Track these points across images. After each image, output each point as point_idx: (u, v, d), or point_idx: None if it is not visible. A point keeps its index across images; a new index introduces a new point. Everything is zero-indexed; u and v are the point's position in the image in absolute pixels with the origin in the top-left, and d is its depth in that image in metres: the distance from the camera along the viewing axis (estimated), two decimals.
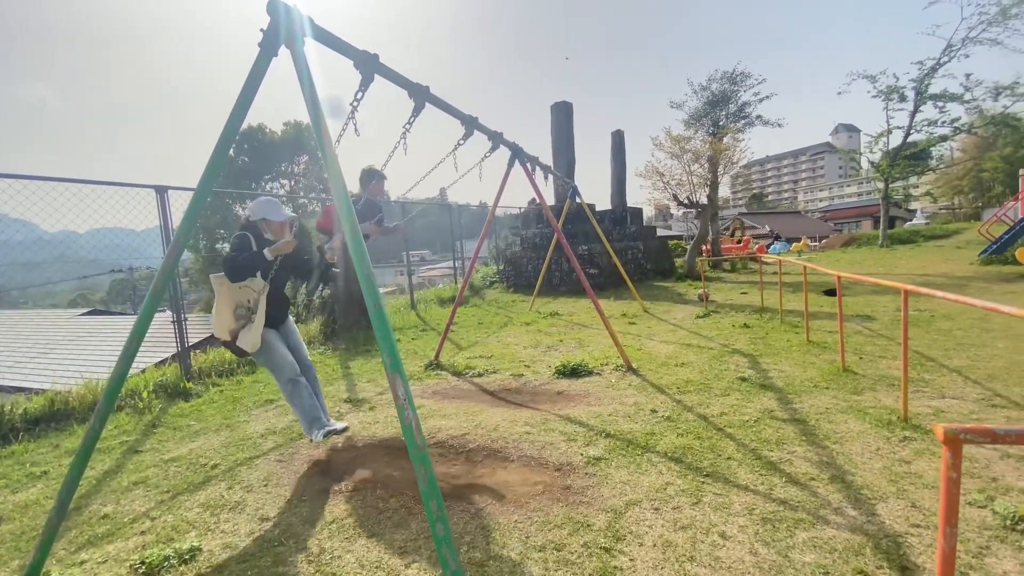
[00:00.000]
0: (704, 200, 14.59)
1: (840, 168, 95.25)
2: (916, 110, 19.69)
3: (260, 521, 2.74)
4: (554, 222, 5.55)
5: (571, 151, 14.63)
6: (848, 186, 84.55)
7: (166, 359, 7.16)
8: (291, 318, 3.65)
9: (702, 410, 3.91)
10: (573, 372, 5.27)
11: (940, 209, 42.12)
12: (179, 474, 3.45)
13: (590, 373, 5.26)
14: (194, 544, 2.50)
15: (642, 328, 7.74)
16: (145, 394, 5.17)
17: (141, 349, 2.43)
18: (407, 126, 3.30)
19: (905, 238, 22.50)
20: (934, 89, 19.27)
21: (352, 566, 2.28)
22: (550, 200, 14.76)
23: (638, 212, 18.17)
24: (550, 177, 7.95)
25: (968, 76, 18.73)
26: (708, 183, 14.75)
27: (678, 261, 16.31)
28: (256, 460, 3.63)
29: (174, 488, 3.23)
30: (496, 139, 4.89)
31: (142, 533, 2.70)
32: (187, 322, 6.30)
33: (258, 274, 3.15)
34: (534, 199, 19.31)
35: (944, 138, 20.37)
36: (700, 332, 6.97)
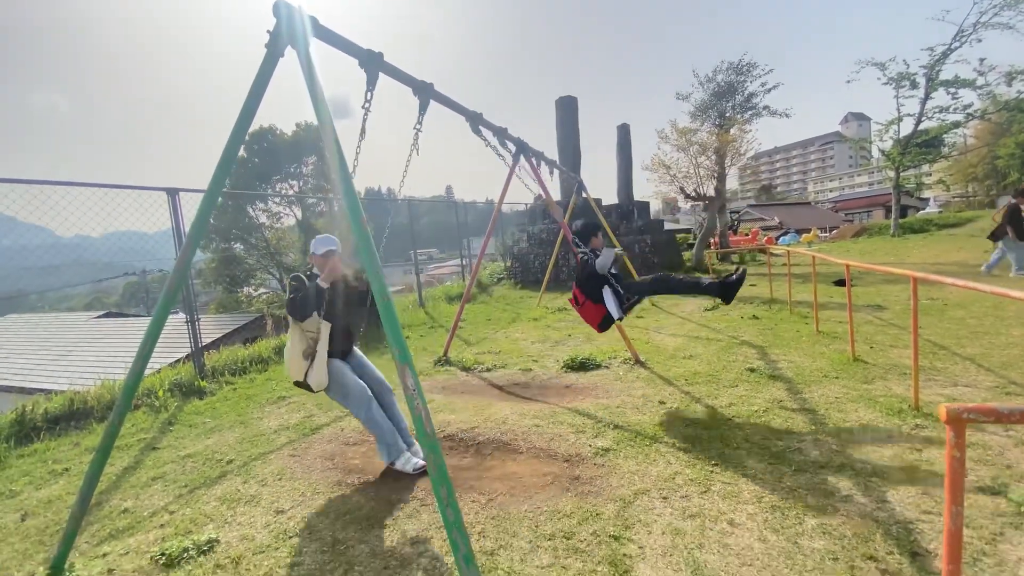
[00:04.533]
0: (711, 192, 14.49)
1: (850, 158, 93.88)
2: (927, 97, 19.33)
3: (275, 514, 2.79)
4: (560, 217, 5.56)
5: (577, 146, 14.60)
6: (859, 176, 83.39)
7: (180, 359, 7.29)
8: (357, 348, 3.54)
9: (711, 401, 3.92)
10: (581, 366, 5.29)
11: (954, 197, 41.41)
12: (196, 469, 3.53)
13: (598, 367, 5.27)
14: (212, 536, 2.56)
15: (650, 321, 7.73)
16: (161, 393, 5.27)
17: (156, 349, 2.48)
18: (418, 126, 3.31)
19: (918, 227, 22.15)
20: (945, 75, 18.93)
21: (365, 555, 2.32)
22: (556, 195, 14.75)
23: (645, 206, 18.08)
24: (556, 172, 7.95)
25: (981, 61, 18.36)
26: (715, 175, 14.64)
27: (686, 255, 16.22)
28: (270, 455, 3.69)
29: (191, 483, 3.30)
30: (500, 134, 4.91)
31: (161, 526, 2.77)
32: (200, 322, 6.40)
33: (314, 314, 3.09)
34: (540, 195, 19.33)
35: (957, 124, 19.99)
36: (708, 324, 6.94)
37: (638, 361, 5.23)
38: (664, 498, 2.57)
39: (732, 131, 15.01)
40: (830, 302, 7.61)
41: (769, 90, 16.80)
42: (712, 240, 17.24)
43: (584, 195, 9.79)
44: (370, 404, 3.20)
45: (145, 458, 3.84)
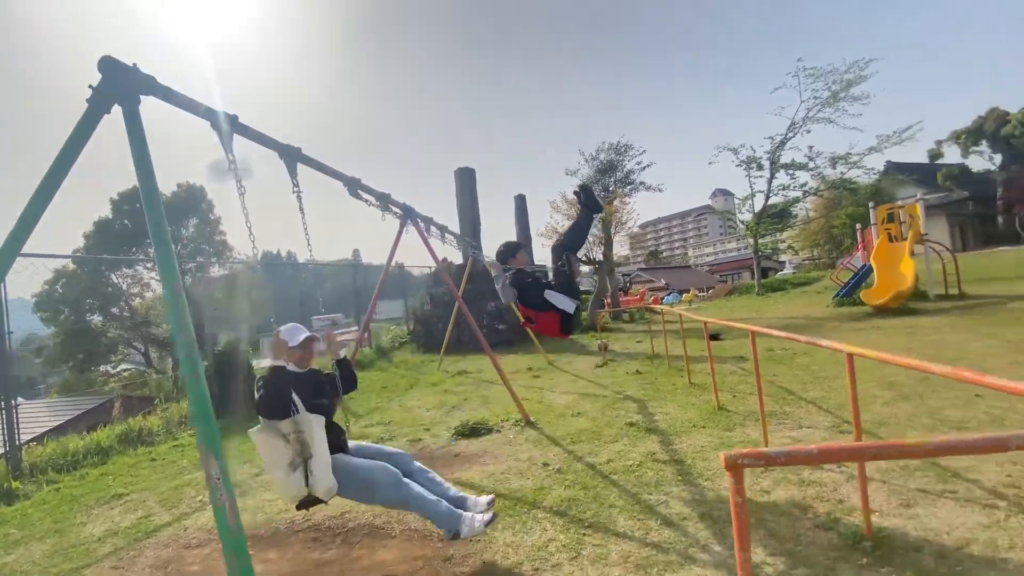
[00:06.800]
0: (600, 257, 15.56)
1: (720, 227, 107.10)
2: (772, 177, 22.95)
3: None
4: (449, 280, 5.59)
5: (476, 213, 15.10)
6: (729, 242, 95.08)
7: None
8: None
9: (591, 459, 3.96)
10: (472, 432, 5.14)
11: (803, 260, 48.46)
12: None
13: (490, 431, 5.16)
14: None
15: (545, 381, 7.84)
16: None
17: None
18: (296, 191, 3.18)
19: (776, 286, 25.47)
20: (784, 159, 22.71)
21: None
22: (457, 259, 14.94)
23: (543, 270, 18.94)
24: (456, 237, 8.08)
25: (811, 148, 22.36)
26: (602, 242, 15.81)
27: (583, 314, 17.01)
28: (85, 570, 3.04)
29: None
30: (384, 200, 4.91)
31: None
32: (20, 409, 5.35)
33: (299, 410, 2.55)
34: (445, 258, 19.46)
35: (796, 200, 23.85)
36: (598, 381, 7.19)
37: (528, 422, 5.20)
38: (535, 570, 2.47)
39: (615, 203, 16.51)
40: (703, 356, 8.28)
41: (644, 168, 18.90)
42: (605, 300, 18.33)
43: (482, 260, 9.99)
44: (399, 480, 2.62)
45: None
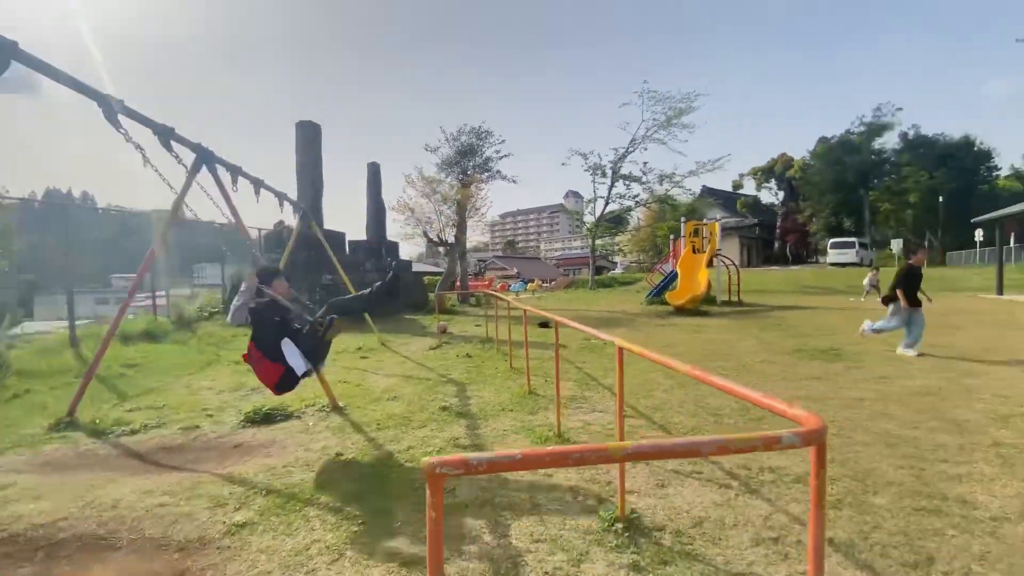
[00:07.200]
0: (451, 240, 15.43)
1: (570, 225, 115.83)
2: (612, 185, 25.30)
3: None
4: (245, 231, 4.83)
5: (318, 175, 13.75)
6: (576, 240, 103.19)
7: None
8: None
9: (392, 446, 3.73)
10: (266, 418, 4.55)
11: (631, 263, 54.73)
12: None
13: (288, 417, 4.62)
14: None
15: (372, 362, 7.41)
16: None
17: None
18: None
19: (607, 283, 28.27)
20: (624, 171, 25.17)
21: None
22: (292, 223, 13.45)
23: (394, 245, 18.15)
24: (298, 199, 7.10)
25: (644, 164, 25.10)
26: (455, 224, 15.70)
27: (431, 296, 16.76)
28: None
29: None
30: (165, 135, 3.99)
31: None
32: None
33: None
34: (282, 220, 17.40)
35: (629, 209, 26.73)
36: (426, 363, 7.01)
37: (336, 407, 4.78)
38: None
39: (472, 188, 16.50)
40: (534, 342, 8.65)
41: (502, 157, 19.27)
42: (454, 283, 18.33)
43: (309, 225, 9.06)
44: None
45: None
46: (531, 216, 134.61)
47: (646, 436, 3.86)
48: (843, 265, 30.12)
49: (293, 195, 13.90)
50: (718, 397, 4.83)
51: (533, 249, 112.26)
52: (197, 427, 4.44)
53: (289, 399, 5.17)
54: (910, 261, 7.00)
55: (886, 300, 7.07)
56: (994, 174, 39.77)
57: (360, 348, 8.47)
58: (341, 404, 4.86)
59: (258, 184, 5.99)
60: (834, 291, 19.61)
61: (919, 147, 38.93)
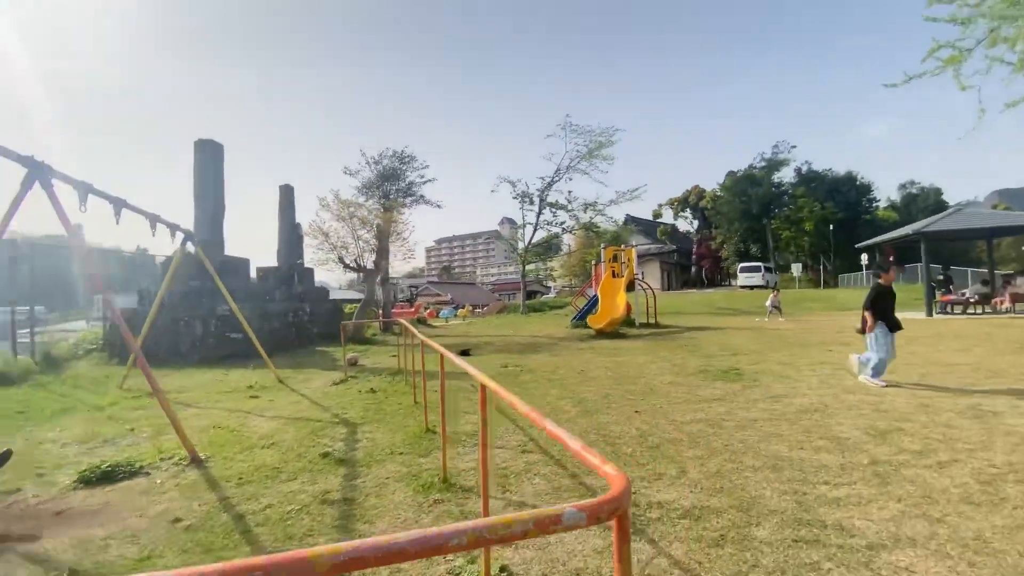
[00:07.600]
0: (370, 266, 14.80)
1: (504, 251, 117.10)
2: (540, 212, 25.70)
3: None
4: (83, 260, 4.16)
5: (219, 197, 12.73)
6: (510, 265, 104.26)
7: None
8: None
9: (247, 505, 3.21)
10: (105, 476, 3.83)
11: (563, 287, 55.85)
12: None
13: (135, 473, 3.93)
14: None
15: (262, 402, 6.68)
16: None
17: None
18: None
19: (538, 308, 28.42)
20: (551, 199, 25.69)
21: None
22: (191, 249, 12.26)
23: (308, 272, 17.13)
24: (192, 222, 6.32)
25: (569, 192, 25.76)
26: (375, 250, 15.10)
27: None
28: None
29: None
30: None
31: None
32: None
33: None
34: (185, 241, 15.90)
35: (557, 235, 27.21)
36: (322, 402, 6.41)
37: (195, 459, 4.13)
38: None
39: (393, 212, 16.02)
40: (450, 372, 8.26)
41: (426, 182, 19.00)
42: (376, 311, 17.53)
43: (192, 250, 8.23)
44: None
45: None
46: (467, 242, 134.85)
47: (539, 473, 3.59)
48: (751, 287, 32.42)
49: (191, 219, 12.77)
50: (620, 424, 4.71)
51: (469, 275, 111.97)
52: (18, 490, 3.66)
53: (143, 451, 4.46)
54: (880, 280, 6.23)
55: (862, 330, 6.22)
56: (874, 205, 44.92)
57: (251, 386, 7.67)
58: (203, 456, 4.21)
59: (119, 204, 5.27)
60: (742, 312, 20.89)
61: (811, 181, 43.30)
